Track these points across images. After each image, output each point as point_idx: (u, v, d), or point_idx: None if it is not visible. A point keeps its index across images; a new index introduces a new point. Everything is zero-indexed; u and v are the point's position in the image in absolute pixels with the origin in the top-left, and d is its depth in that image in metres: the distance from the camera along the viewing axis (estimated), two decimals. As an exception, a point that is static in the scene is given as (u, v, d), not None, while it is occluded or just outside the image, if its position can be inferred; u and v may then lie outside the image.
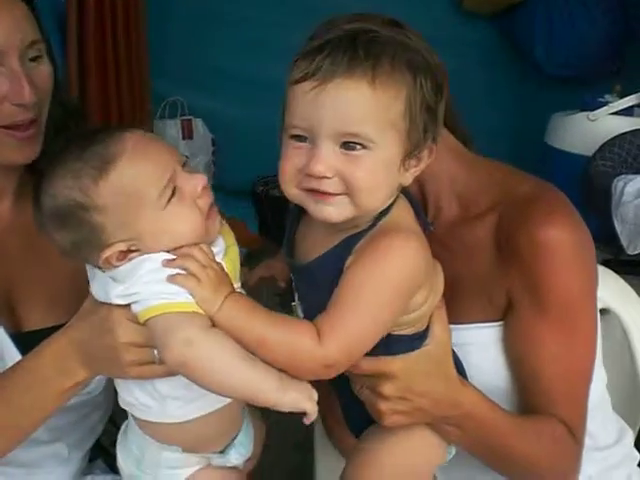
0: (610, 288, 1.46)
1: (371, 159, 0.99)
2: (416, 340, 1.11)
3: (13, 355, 1.26)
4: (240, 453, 1.21)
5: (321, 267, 1.06)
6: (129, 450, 1.21)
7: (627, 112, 2.51)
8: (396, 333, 1.08)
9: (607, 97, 2.54)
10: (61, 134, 1.36)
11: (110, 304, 1.08)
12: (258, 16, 3.49)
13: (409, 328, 1.09)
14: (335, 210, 1.02)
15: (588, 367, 1.23)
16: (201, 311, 1.01)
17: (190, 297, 1.01)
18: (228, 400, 1.11)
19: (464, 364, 1.19)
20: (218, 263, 1.06)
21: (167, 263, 1.04)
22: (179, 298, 1.02)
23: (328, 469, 1.43)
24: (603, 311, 1.43)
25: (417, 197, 1.23)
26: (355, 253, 1.03)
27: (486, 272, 1.23)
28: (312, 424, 1.20)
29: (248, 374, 1.00)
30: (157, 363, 1.08)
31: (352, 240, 1.04)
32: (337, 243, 1.05)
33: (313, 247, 1.09)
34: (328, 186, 1.00)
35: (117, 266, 1.07)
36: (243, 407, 1.20)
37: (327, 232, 1.07)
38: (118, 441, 1.23)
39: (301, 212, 1.11)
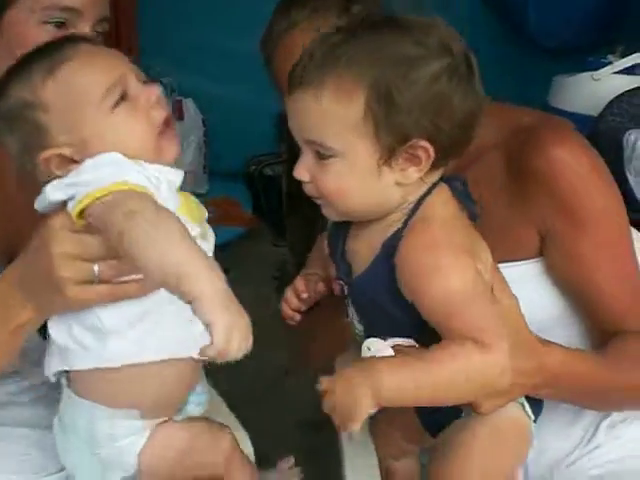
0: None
1: (338, 166, 1.00)
2: None
3: None
4: (197, 403, 1.13)
5: (371, 279, 1.04)
6: (74, 432, 1.10)
7: (630, 71, 2.49)
8: None
9: (610, 57, 2.53)
10: None
11: (46, 217, 1.03)
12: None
13: None
14: (326, 211, 1.06)
15: (638, 274, 1.23)
16: (149, 191, 0.97)
17: (136, 178, 0.98)
18: (183, 351, 1.03)
19: None
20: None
21: None
22: (124, 177, 0.97)
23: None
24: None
25: None
26: (401, 269, 1.01)
27: (506, 211, 1.22)
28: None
29: (190, 255, 0.88)
30: (96, 282, 1.00)
31: (390, 243, 1.03)
32: (378, 252, 1.04)
33: (362, 258, 1.07)
34: (309, 190, 1.04)
35: (57, 175, 1.03)
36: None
37: (369, 238, 1.06)
38: (55, 432, 1.14)
39: (349, 224, 1.10)
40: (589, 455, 1.33)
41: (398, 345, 1.06)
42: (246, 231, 3.40)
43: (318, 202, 1.07)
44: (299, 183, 1.54)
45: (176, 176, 1.07)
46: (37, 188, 1.16)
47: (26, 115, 1.05)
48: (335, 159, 1.00)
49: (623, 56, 2.52)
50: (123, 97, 1.05)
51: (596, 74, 2.47)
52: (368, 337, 1.09)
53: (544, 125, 1.22)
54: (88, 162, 1.02)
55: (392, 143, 0.99)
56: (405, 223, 1.03)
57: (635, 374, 1.20)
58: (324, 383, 0.99)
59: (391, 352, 1.05)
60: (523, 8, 3.33)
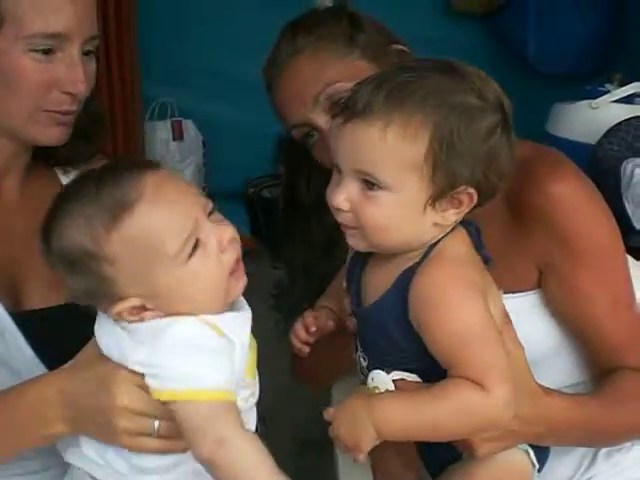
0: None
1: (386, 200, 1.00)
2: None
3: (13, 333, 1.23)
4: None
5: (382, 308, 1.05)
6: None
7: (628, 100, 2.52)
8: None
9: (608, 86, 2.55)
10: (80, 140, 1.34)
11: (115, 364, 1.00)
12: (249, 16, 3.44)
13: None
14: (354, 241, 1.05)
15: (635, 307, 1.24)
16: (233, 398, 0.96)
17: (219, 381, 0.95)
18: None
19: None
20: None
21: None
22: (209, 383, 0.94)
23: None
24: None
25: None
26: (414, 301, 1.01)
27: (504, 245, 1.21)
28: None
29: None
30: (154, 436, 1.00)
31: (405, 277, 1.03)
32: (393, 282, 1.04)
33: (375, 289, 1.07)
34: (342, 218, 1.02)
35: (131, 321, 0.98)
36: None
37: (385, 271, 1.06)
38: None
39: (367, 257, 1.11)
40: None
41: (401, 379, 1.06)
42: (244, 252, 3.39)
43: (348, 232, 1.06)
44: (295, 205, 1.53)
45: (246, 329, 1.04)
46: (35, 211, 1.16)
47: (89, 265, 0.97)
48: (384, 192, 1.00)
49: (621, 85, 2.54)
50: (196, 245, 0.98)
51: (594, 102, 2.49)
52: (372, 369, 1.09)
53: (540, 160, 1.22)
54: (174, 334, 0.97)
55: (444, 186, 1.00)
56: (422, 258, 1.04)
57: (634, 415, 1.20)
58: (329, 414, 1.01)
59: (391, 385, 1.06)
60: (523, 35, 3.36)
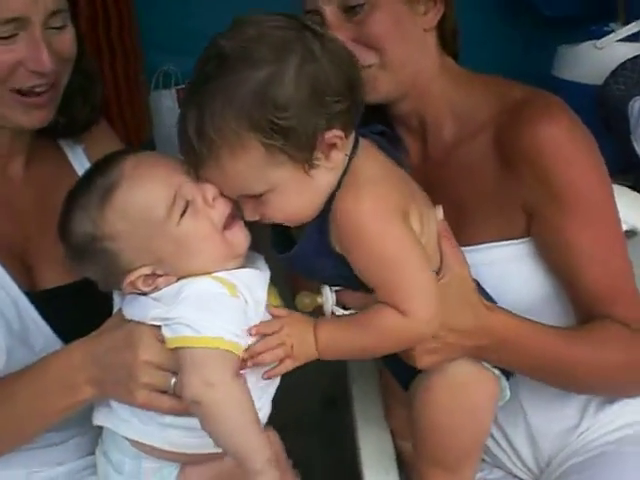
0: (636, 209, 1.43)
1: (274, 198, 1.04)
2: None
3: (31, 314, 1.26)
4: None
5: (309, 244, 1.08)
6: (108, 458, 1.17)
7: (633, 38, 2.48)
8: None
9: (612, 26, 2.51)
10: (78, 99, 1.38)
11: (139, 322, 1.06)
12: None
13: None
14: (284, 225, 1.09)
15: (626, 261, 1.23)
16: (234, 349, 1.01)
17: (225, 330, 1.00)
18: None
19: (485, 285, 1.18)
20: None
21: (248, 356, 1.04)
22: (213, 332, 1.00)
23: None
24: (630, 233, 1.41)
25: (415, 126, 1.22)
26: (336, 230, 1.05)
27: (495, 189, 1.22)
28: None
29: (251, 437, 0.99)
30: (170, 392, 1.06)
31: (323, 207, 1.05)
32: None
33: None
34: (264, 222, 1.09)
35: (149, 291, 1.06)
36: None
37: None
38: (98, 448, 1.20)
39: None
40: (598, 423, 1.33)
41: (342, 289, 1.12)
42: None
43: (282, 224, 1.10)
44: None
45: (261, 287, 1.10)
46: (43, 188, 1.17)
47: (96, 247, 1.07)
48: (268, 194, 1.04)
49: (625, 23, 2.50)
50: (187, 206, 1.07)
51: (599, 43, 2.45)
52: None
53: (533, 102, 1.21)
54: (189, 290, 1.04)
55: (306, 151, 1.01)
56: (338, 185, 1.05)
57: (597, 358, 1.20)
58: (276, 312, 1.09)
59: (332, 301, 1.13)
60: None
